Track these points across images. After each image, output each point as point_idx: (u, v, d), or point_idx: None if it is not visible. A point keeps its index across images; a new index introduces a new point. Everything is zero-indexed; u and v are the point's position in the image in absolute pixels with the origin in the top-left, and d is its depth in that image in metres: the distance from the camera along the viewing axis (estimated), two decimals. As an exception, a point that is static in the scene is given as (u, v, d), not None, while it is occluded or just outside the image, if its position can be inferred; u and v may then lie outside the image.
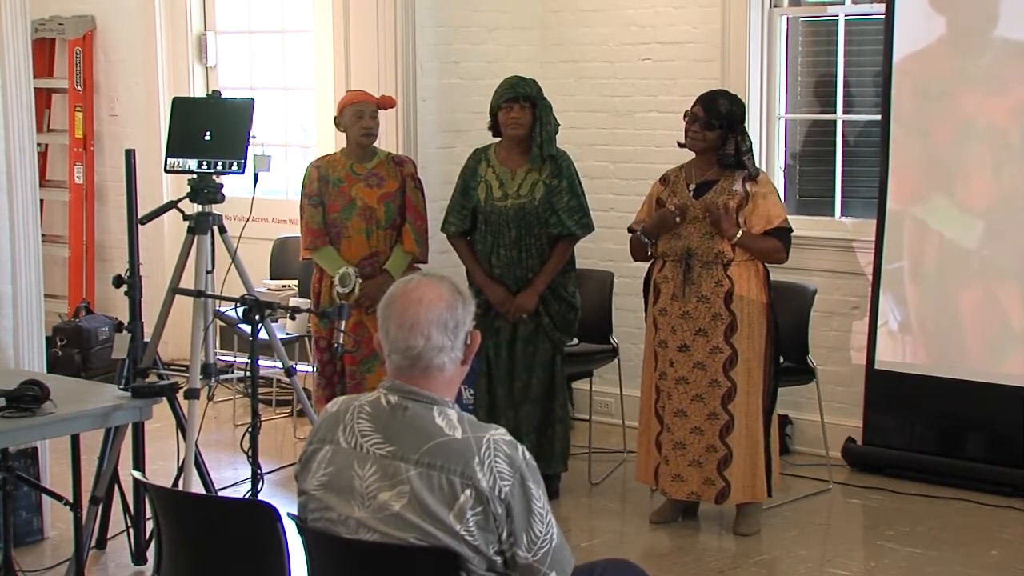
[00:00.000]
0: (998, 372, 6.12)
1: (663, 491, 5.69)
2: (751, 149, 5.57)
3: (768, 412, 5.60)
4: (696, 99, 5.59)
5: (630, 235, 5.79)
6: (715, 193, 5.54)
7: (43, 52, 8.82)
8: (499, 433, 2.97)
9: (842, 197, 6.82)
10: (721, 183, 5.55)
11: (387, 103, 6.13)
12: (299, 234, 6.28)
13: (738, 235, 5.43)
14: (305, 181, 6.16)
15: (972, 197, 6.20)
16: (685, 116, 5.59)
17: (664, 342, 5.62)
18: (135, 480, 4.72)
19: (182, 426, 5.26)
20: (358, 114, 6.02)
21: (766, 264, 5.58)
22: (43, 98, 8.72)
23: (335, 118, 6.17)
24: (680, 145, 5.65)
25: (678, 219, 5.51)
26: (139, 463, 5.05)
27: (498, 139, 6.02)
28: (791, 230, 5.58)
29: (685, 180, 5.64)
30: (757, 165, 5.71)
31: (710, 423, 5.52)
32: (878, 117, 6.49)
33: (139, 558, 5.21)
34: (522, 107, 5.86)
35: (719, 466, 5.52)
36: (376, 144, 6.15)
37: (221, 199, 5.51)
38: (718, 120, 5.50)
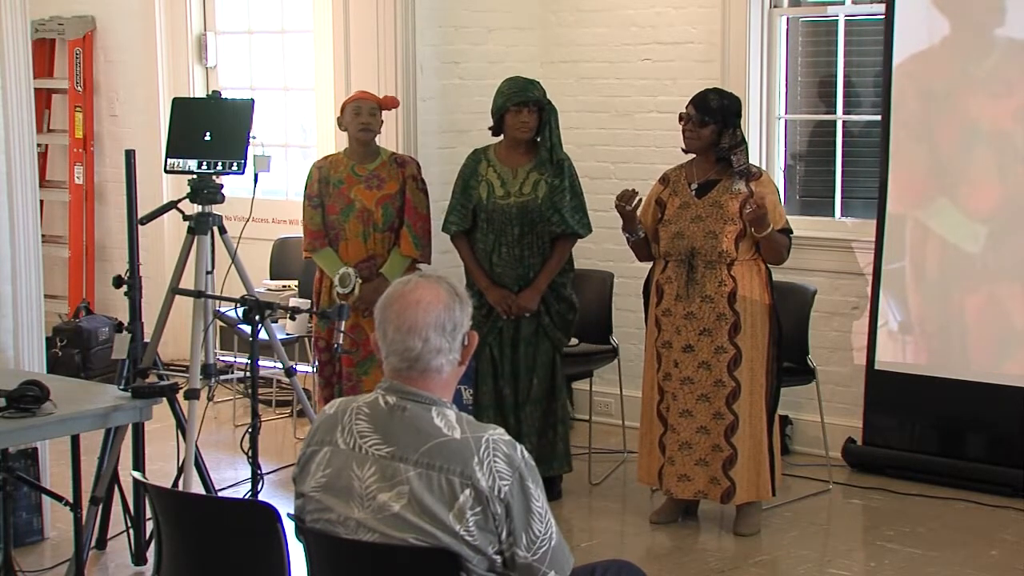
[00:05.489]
0: (998, 372, 6.12)
1: (668, 491, 5.68)
2: (742, 145, 5.52)
3: (771, 412, 5.60)
4: (689, 100, 5.59)
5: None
6: (717, 192, 5.53)
7: (43, 52, 8.83)
8: (497, 433, 2.97)
9: (842, 197, 6.82)
10: (723, 182, 5.54)
11: (390, 103, 6.13)
12: (299, 234, 6.28)
13: (770, 229, 5.41)
14: (307, 182, 6.17)
15: (976, 201, 6.18)
16: (680, 119, 5.59)
17: (668, 342, 5.61)
18: (135, 480, 4.72)
19: (182, 426, 5.26)
20: (356, 111, 6.03)
21: (767, 264, 5.58)
22: (43, 98, 8.72)
23: (337, 118, 6.18)
24: (685, 151, 5.64)
25: (630, 205, 5.51)
26: (139, 463, 5.05)
27: (498, 139, 6.02)
28: (791, 231, 5.59)
29: (686, 179, 5.63)
30: (757, 165, 5.70)
31: (715, 423, 5.52)
32: (878, 117, 6.48)
33: (139, 558, 5.21)
34: (531, 111, 5.86)
35: (724, 466, 5.52)
36: (377, 144, 6.16)
37: (221, 199, 5.51)
38: (710, 116, 5.50)
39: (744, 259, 5.50)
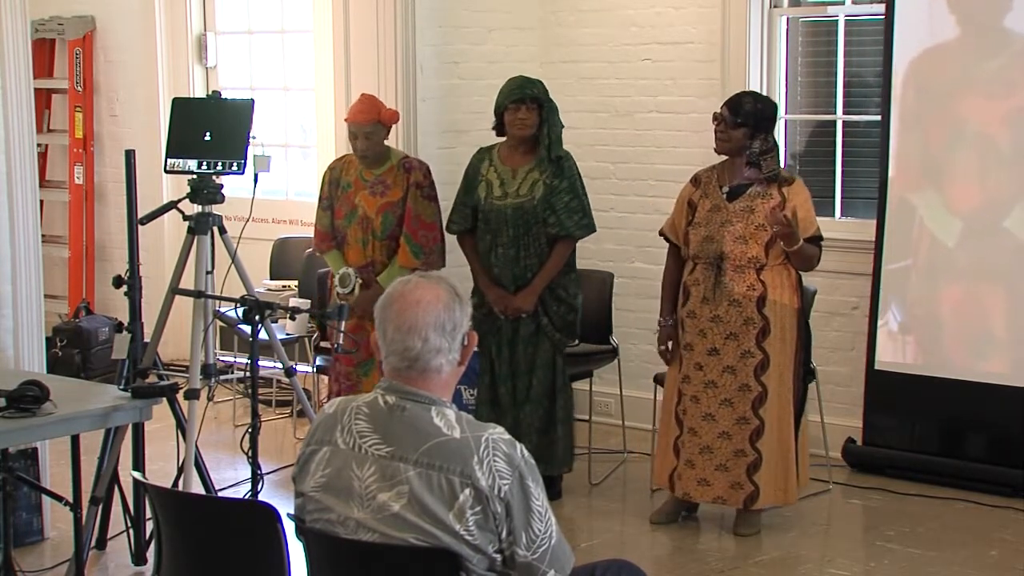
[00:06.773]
0: (997, 373, 6.12)
1: (685, 495, 5.63)
2: (773, 151, 5.47)
3: (798, 416, 5.57)
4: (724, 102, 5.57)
5: (666, 241, 5.74)
6: (749, 197, 5.48)
7: (43, 52, 8.82)
8: (497, 432, 2.97)
9: (842, 197, 6.82)
10: (755, 187, 5.48)
11: (389, 120, 6.03)
12: (300, 234, 6.28)
13: (799, 244, 5.35)
14: (321, 182, 6.18)
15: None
16: (714, 120, 5.55)
17: (691, 345, 5.57)
18: (135, 480, 4.72)
19: (182, 426, 5.27)
20: (352, 135, 6.00)
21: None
22: (43, 98, 8.72)
23: None
24: (717, 152, 5.60)
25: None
26: (139, 463, 5.05)
27: (502, 138, 6.01)
28: (822, 238, 5.53)
29: (718, 182, 5.57)
30: (788, 171, 5.65)
31: (739, 427, 5.47)
32: (878, 117, 6.49)
33: (139, 558, 5.21)
34: (529, 108, 5.86)
35: (748, 470, 5.48)
36: (389, 144, 6.14)
37: (221, 199, 5.51)
38: (743, 119, 5.45)
39: (774, 264, 5.44)
